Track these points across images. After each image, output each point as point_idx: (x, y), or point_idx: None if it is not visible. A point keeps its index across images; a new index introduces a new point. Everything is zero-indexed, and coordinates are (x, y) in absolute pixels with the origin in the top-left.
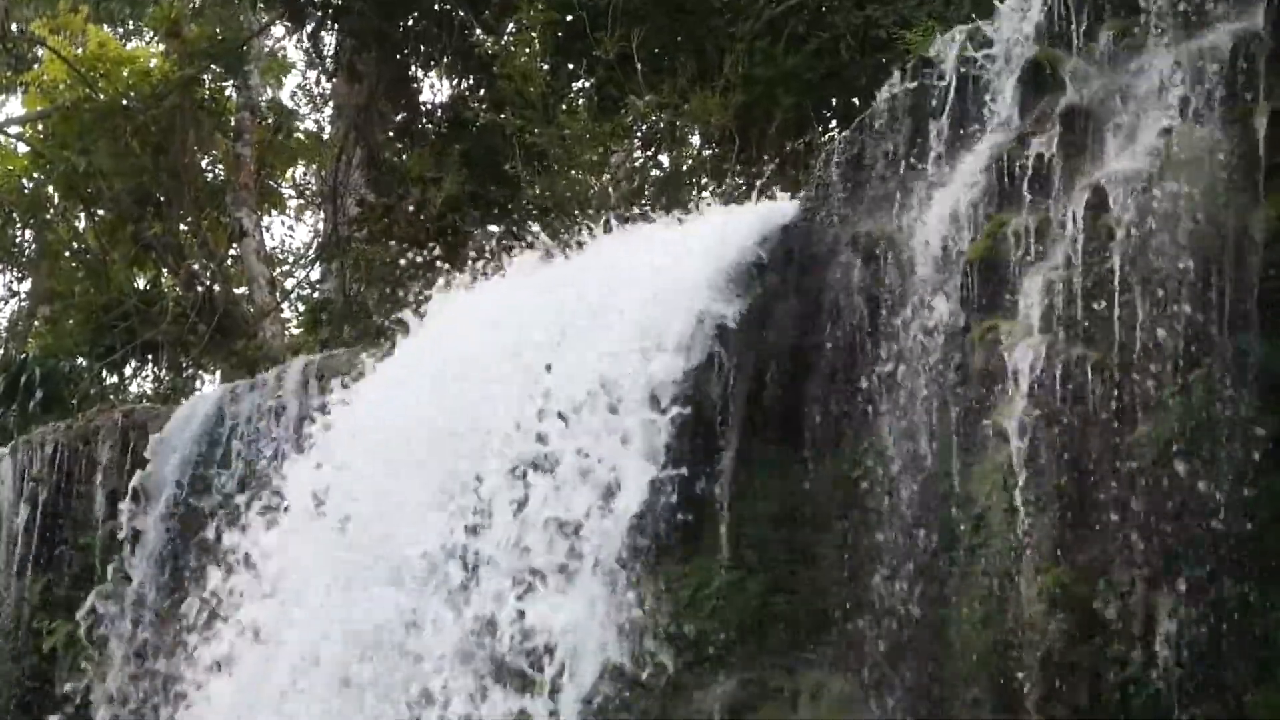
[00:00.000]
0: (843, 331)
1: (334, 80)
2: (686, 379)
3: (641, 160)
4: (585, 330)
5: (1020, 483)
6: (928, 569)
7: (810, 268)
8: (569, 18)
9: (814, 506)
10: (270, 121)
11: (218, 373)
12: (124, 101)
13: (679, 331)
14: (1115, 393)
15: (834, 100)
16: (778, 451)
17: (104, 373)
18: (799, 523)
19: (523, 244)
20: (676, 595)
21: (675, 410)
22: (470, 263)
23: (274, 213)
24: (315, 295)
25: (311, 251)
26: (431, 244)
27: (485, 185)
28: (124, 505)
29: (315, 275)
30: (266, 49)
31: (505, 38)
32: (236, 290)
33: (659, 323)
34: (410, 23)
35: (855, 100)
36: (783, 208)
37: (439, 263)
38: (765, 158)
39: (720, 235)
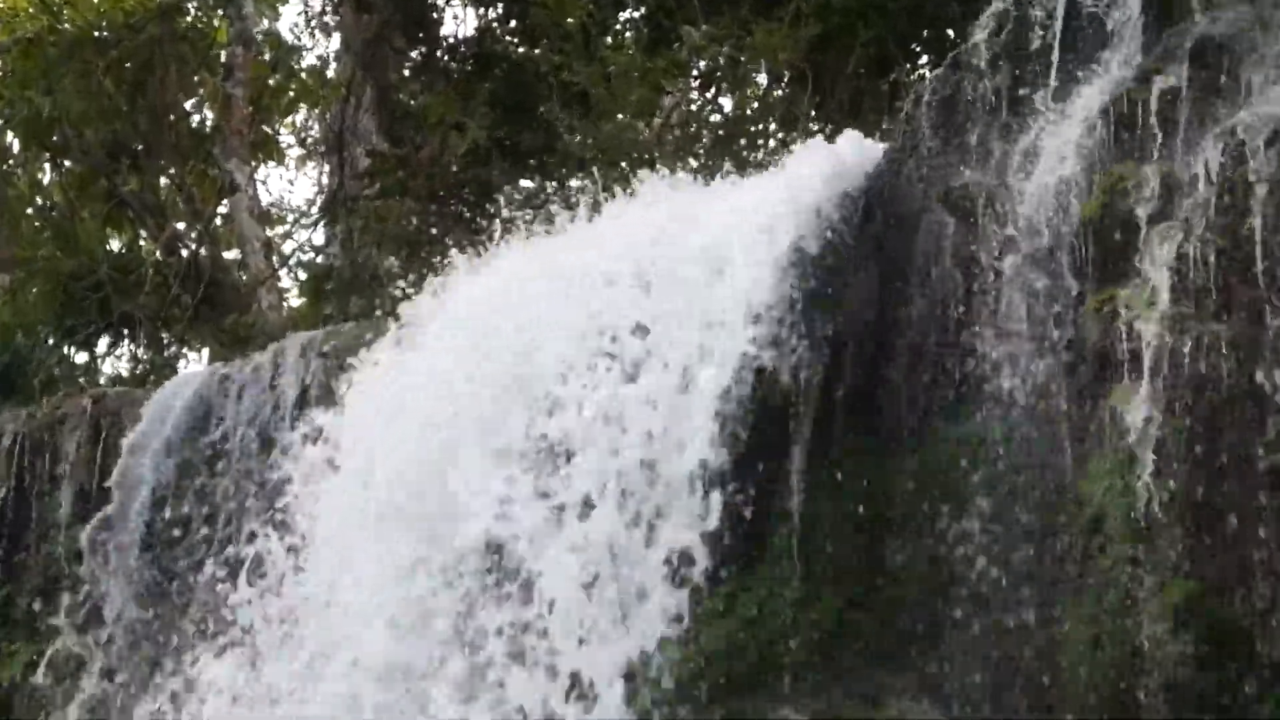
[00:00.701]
0: (933, 304)
1: (340, 9)
2: (746, 362)
3: (698, 103)
4: (635, 300)
5: (1142, 481)
6: (1032, 581)
7: (895, 229)
8: None
9: (897, 509)
10: (266, 57)
11: (204, 351)
12: (95, 33)
13: (739, 307)
14: (1253, 376)
15: (923, 33)
16: (855, 444)
17: (72, 351)
18: (879, 528)
19: (560, 201)
20: (738, 610)
21: (736, 396)
22: (500, 223)
23: (270, 165)
24: (318, 261)
25: (314, 210)
26: (453, 200)
27: (516, 132)
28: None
29: (318, 238)
30: None
31: None
32: (226, 255)
33: (718, 297)
34: None
35: (948, 33)
36: (862, 157)
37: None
38: (842, 100)
39: (788, 191)
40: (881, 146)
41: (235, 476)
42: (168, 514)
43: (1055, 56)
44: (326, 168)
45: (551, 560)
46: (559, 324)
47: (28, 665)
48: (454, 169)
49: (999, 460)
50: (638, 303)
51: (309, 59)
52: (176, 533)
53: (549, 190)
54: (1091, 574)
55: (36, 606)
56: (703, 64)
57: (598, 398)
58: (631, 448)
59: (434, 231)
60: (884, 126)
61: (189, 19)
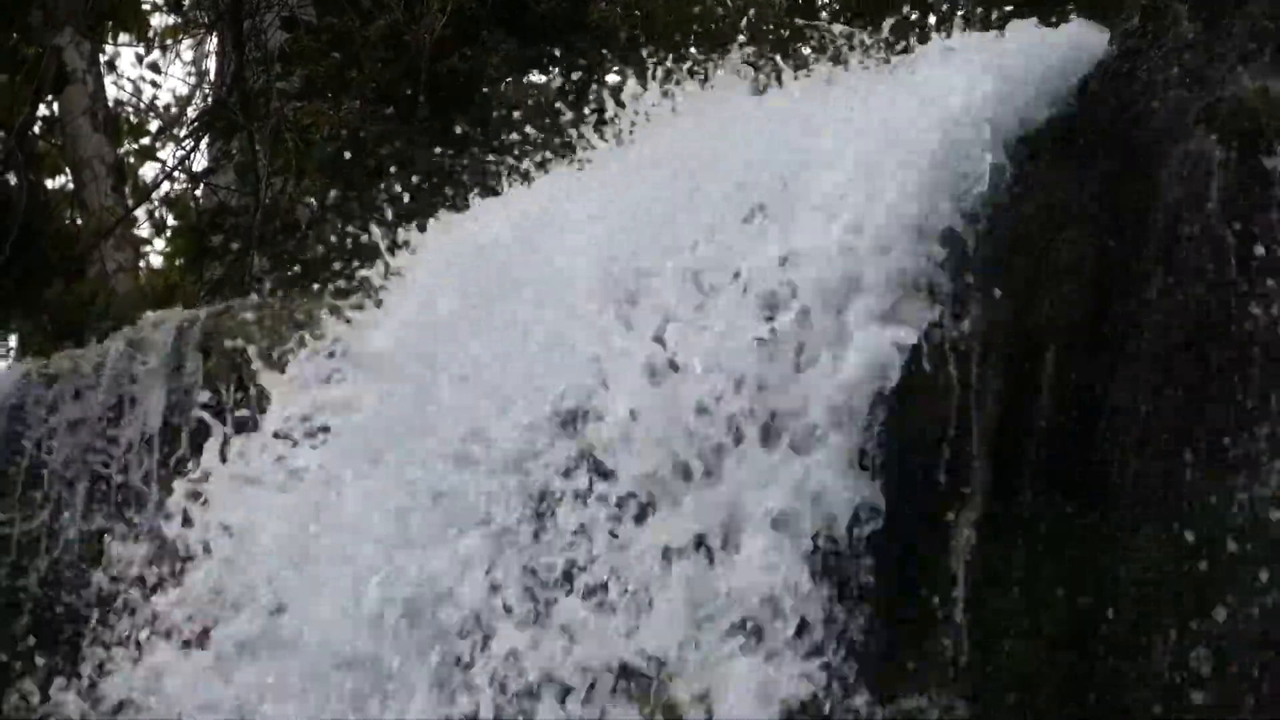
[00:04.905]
0: (1186, 287)
1: None
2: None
3: None
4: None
5: None
6: None
7: (1126, 164)
8: None
9: (1123, 609)
10: None
11: (12, 339)
12: None
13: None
14: None
15: None
16: (1054, 508)
17: None
18: (1094, 639)
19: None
20: None
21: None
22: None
23: (125, 40)
24: (199, 198)
25: (192, 114)
26: (422, 101)
27: None
28: None
29: (201, 160)
30: None
31: None
32: (52, 184)
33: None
34: None
35: None
36: (1075, 48)
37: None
38: None
39: (952, 90)
40: (1105, 34)
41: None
42: None
43: None
44: (215, 46)
45: None
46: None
47: None
48: (424, 49)
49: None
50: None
51: None
52: None
53: (572, 83)
54: None
55: None
56: None
57: None
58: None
59: (391, 151)
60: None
61: None
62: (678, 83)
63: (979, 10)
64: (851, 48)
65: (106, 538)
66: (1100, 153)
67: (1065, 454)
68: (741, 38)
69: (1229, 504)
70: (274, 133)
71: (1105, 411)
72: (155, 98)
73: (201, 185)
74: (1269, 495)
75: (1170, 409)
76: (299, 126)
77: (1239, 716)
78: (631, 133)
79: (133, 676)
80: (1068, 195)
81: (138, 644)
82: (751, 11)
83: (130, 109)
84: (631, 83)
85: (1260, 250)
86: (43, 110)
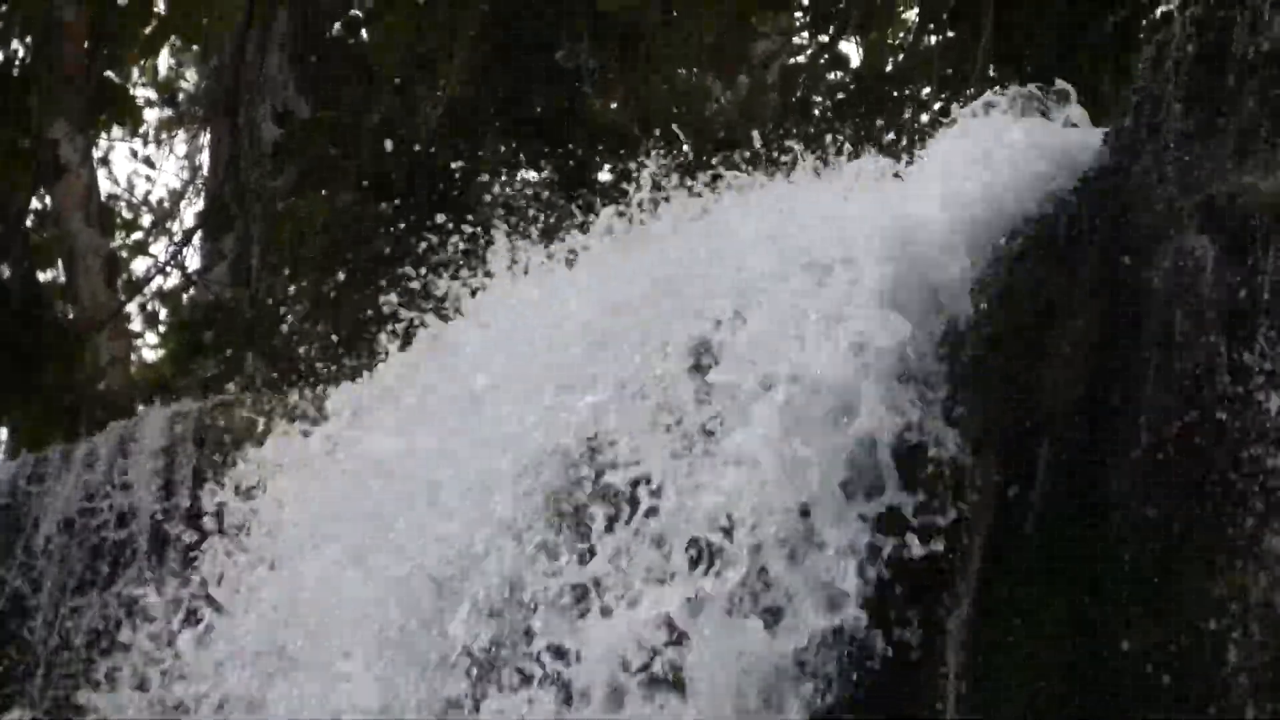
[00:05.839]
0: (1181, 375)
1: None
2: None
3: (811, 51)
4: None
5: None
6: None
7: (1119, 259)
8: None
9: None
10: None
11: (3, 431)
12: None
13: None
14: None
15: None
16: (1051, 597)
17: None
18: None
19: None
20: None
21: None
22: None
23: (118, 133)
24: (192, 293)
25: (186, 208)
26: (414, 193)
27: (520, 86)
28: None
29: (195, 256)
30: None
31: None
32: (43, 276)
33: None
34: None
35: None
36: (1067, 145)
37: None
38: (1040, 51)
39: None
40: (1099, 132)
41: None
42: None
43: None
44: (209, 139)
45: None
46: None
47: None
48: (415, 146)
49: None
50: None
51: None
52: None
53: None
54: None
55: None
56: None
57: None
58: None
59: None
60: (1105, 95)
61: None
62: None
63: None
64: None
65: None
66: (1096, 249)
67: (1059, 540)
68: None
69: (1232, 598)
70: (268, 227)
71: (1104, 497)
72: (149, 192)
73: (194, 284)
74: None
75: (1167, 494)
76: (294, 224)
77: None
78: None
79: None
80: (1063, 292)
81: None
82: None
83: (124, 202)
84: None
85: (1257, 347)
86: (36, 203)
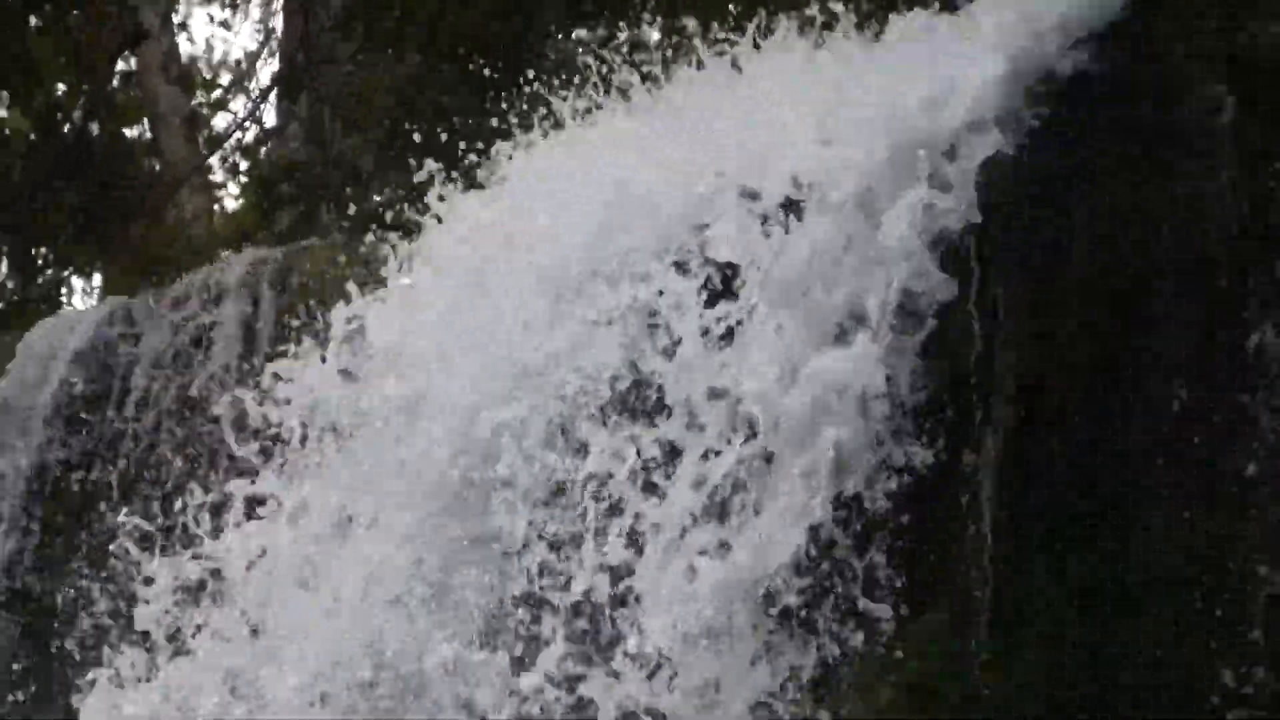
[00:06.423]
0: (1196, 245)
1: None
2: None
3: None
4: None
5: None
6: None
7: (1133, 112)
8: None
9: (1143, 562)
10: None
11: (96, 276)
12: None
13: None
14: None
15: None
16: (1072, 456)
17: None
18: (1115, 585)
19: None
20: (885, 674)
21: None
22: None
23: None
24: (268, 149)
25: (260, 68)
26: (474, 58)
27: None
28: None
29: (271, 114)
30: None
31: None
32: (130, 134)
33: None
34: None
35: None
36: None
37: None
38: None
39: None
40: None
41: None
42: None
43: None
44: (282, 3)
45: None
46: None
47: None
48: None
49: None
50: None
51: None
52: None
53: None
54: None
55: None
56: None
57: None
58: None
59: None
60: None
61: None
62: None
63: None
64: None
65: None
66: (1116, 102)
67: (1083, 412)
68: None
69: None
70: (338, 87)
71: (1116, 384)
72: (226, 53)
73: (270, 140)
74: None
75: (1184, 377)
76: (362, 91)
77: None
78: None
79: None
80: (1073, 153)
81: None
82: None
83: (203, 63)
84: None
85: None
86: (122, 65)
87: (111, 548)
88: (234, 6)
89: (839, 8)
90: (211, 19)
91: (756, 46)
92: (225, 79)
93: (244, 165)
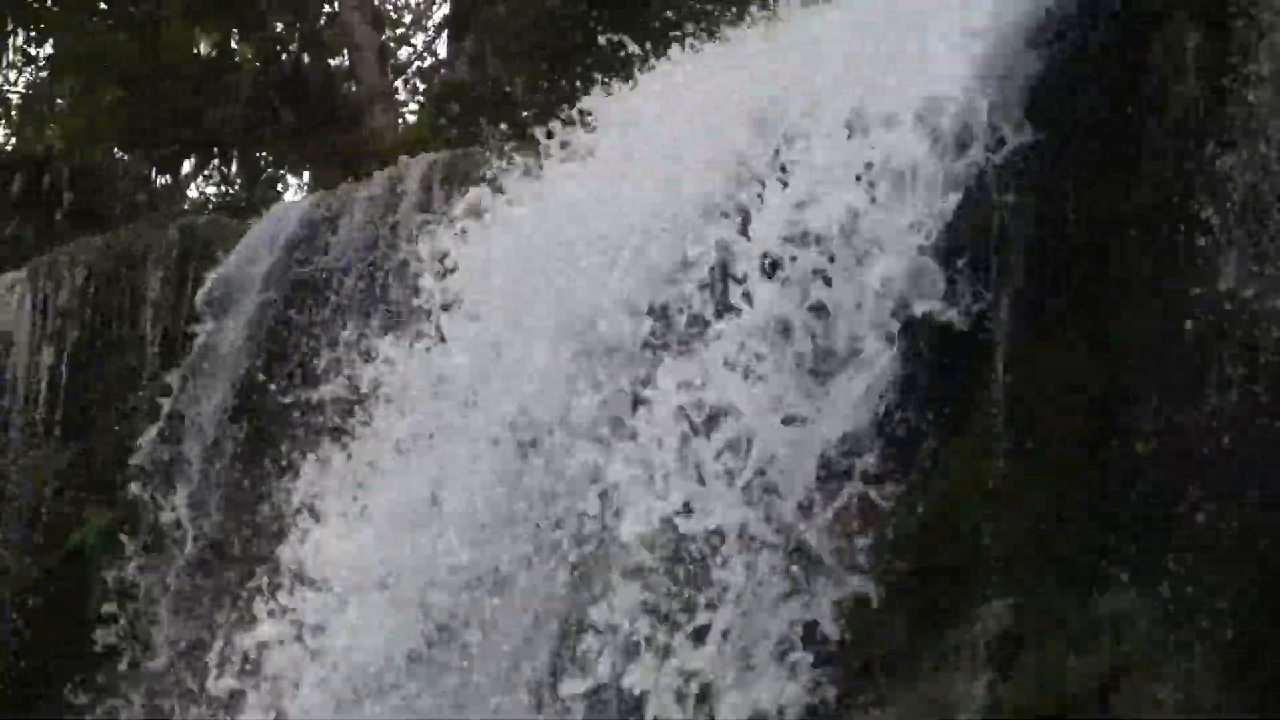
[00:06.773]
0: (1167, 132)
1: None
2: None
3: None
4: None
5: None
6: None
7: (1122, 42)
8: None
9: (1124, 372)
10: None
11: (305, 174)
12: None
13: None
14: None
15: None
16: (1075, 297)
17: (153, 172)
18: (1104, 396)
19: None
20: (930, 491)
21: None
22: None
23: None
24: (440, 74)
25: (435, 9)
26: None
27: None
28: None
29: (443, 47)
30: None
31: None
32: (332, 63)
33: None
34: None
35: None
36: None
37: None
38: None
39: None
40: None
41: (344, 314)
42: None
43: None
44: None
45: None
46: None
47: (105, 534)
48: None
49: (1249, 316)
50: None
51: None
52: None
53: None
54: None
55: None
56: None
57: None
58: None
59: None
60: None
61: None
62: None
63: None
64: None
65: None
66: (1099, 31)
67: (1084, 255)
68: None
69: (1202, 297)
70: (495, 24)
71: (1116, 225)
72: None
73: (443, 69)
74: (1225, 291)
75: (1158, 220)
76: (512, 29)
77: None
78: None
79: None
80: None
81: None
82: None
83: (391, 6)
84: None
85: (1226, 112)
86: (326, 7)
87: None
88: None
89: None
90: None
91: None
92: (408, 19)
93: (421, 88)
